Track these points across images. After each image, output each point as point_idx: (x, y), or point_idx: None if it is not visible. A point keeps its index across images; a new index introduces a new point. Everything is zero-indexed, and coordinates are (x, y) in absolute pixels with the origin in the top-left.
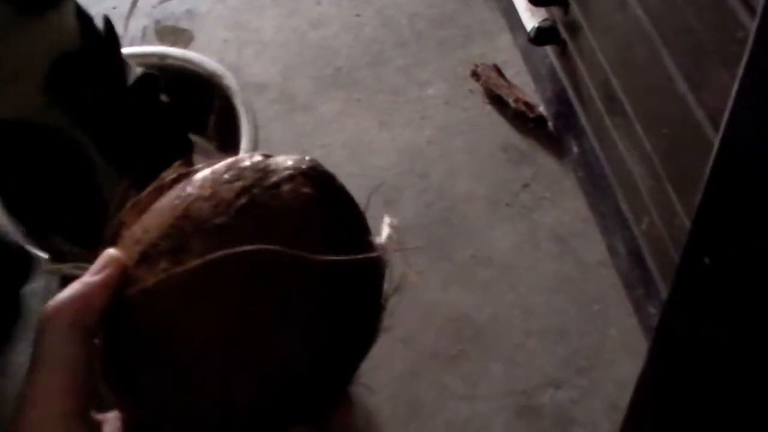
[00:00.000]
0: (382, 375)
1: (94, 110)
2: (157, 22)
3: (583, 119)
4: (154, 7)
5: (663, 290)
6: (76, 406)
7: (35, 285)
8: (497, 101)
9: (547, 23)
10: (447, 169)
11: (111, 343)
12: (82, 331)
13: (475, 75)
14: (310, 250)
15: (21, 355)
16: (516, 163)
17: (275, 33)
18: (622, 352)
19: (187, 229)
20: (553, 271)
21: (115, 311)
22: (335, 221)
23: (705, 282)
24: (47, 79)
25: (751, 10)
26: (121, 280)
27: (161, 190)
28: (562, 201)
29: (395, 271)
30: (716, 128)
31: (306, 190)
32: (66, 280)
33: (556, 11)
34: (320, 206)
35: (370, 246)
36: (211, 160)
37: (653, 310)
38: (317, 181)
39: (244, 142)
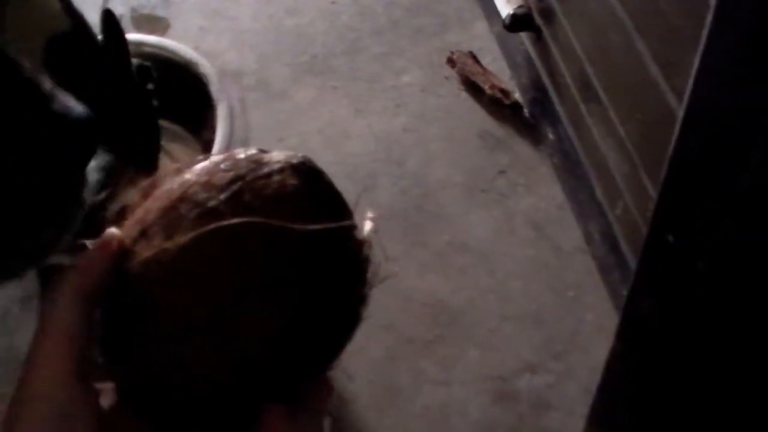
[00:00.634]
0: (359, 361)
1: (93, 93)
2: (134, 10)
3: (558, 106)
4: None
5: None
6: (74, 369)
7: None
8: (473, 88)
9: (522, 10)
10: (423, 156)
11: (108, 312)
12: (82, 301)
13: (450, 62)
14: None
15: None
16: (492, 149)
17: (252, 20)
18: (598, 337)
19: (182, 210)
20: (529, 257)
21: (113, 283)
22: (321, 213)
23: (669, 260)
24: (45, 58)
25: None
26: (121, 255)
27: (165, 178)
28: (538, 187)
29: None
30: None
31: (293, 181)
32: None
33: None
34: (307, 198)
35: (354, 239)
36: (189, 148)
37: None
38: (306, 175)
39: (221, 130)
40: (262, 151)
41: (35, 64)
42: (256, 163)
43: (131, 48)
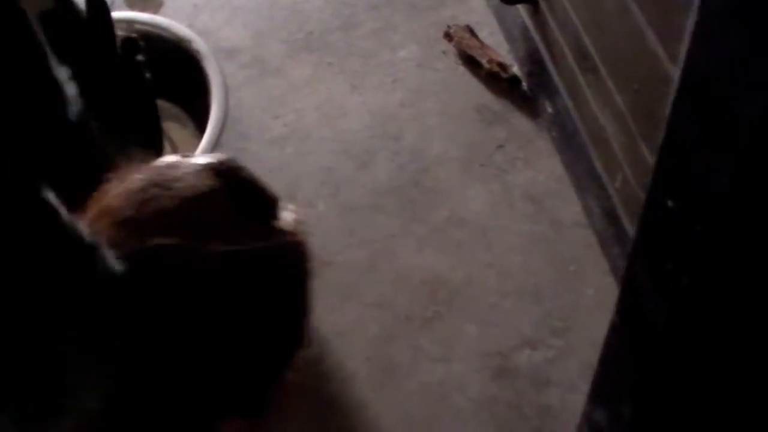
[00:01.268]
0: (356, 339)
1: (83, 69)
2: None
3: (556, 78)
4: None
5: None
6: None
7: None
8: (470, 62)
9: None
10: (420, 131)
11: None
12: None
13: (447, 36)
14: (214, 238)
15: None
16: (490, 123)
17: None
18: (598, 311)
19: (104, 221)
20: (528, 232)
21: None
22: (240, 211)
23: (668, 225)
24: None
25: None
26: None
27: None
28: (536, 161)
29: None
30: None
31: (209, 182)
32: None
33: None
34: (225, 196)
35: (278, 232)
36: (184, 127)
37: None
38: (223, 174)
39: (215, 107)
40: (187, 156)
41: None
42: (172, 167)
43: (123, 26)
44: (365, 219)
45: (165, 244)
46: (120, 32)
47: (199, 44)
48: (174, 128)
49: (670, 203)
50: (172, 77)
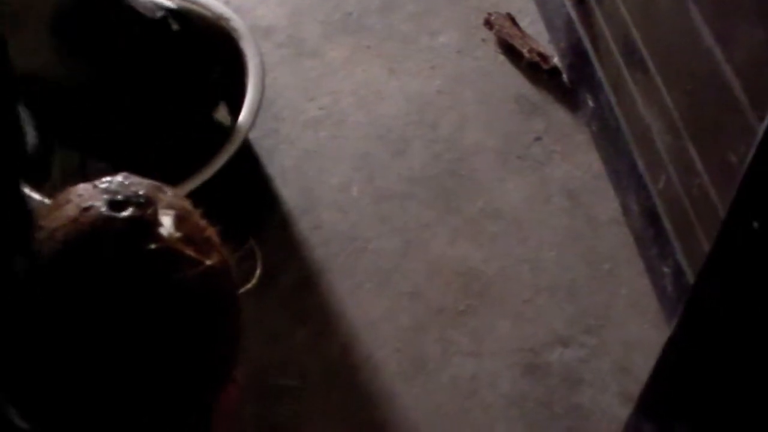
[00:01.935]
0: (387, 329)
1: (105, 54)
2: None
3: (599, 72)
4: None
5: (678, 250)
6: None
7: None
8: (510, 51)
9: None
10: (457, 119)
11: None
12: None
13: (488, 24)
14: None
15: None
16: (528, 115)
17: None
18: (632, 312)
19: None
20: (563, 227)
21: None
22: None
23: (751, 246)
24: (53, 23)
25: None
26: None
27: None
28: (574, 155)
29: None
30: (745, 84)
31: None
32: None
33: None
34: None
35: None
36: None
37: (667, 270)
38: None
39: (251, 88)
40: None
41: (42, 29)
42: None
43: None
44: (399, 207)
45: None
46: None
47: (237, 22)
48: None
49: (755, 224)
50: (207, 54)
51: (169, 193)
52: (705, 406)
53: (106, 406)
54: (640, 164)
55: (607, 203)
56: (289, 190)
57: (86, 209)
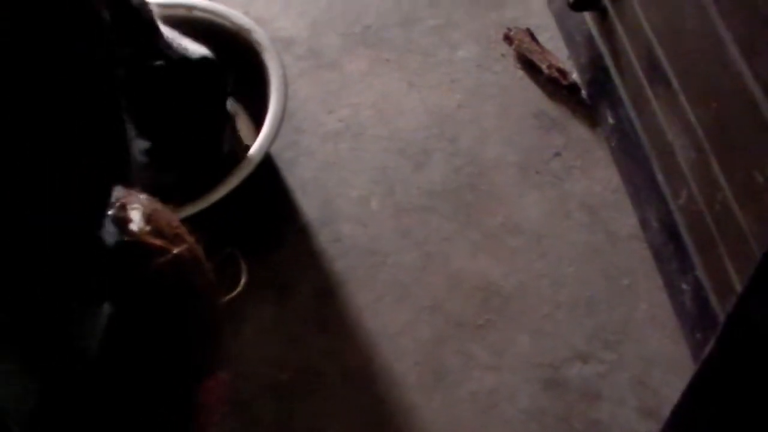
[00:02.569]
0: (407, 341)
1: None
2: None
3: (620, 88)
4: None
5: (698, 266)
6: None
7: None
8: (529, 66)
9: None
10: (477, 133)
11: None
12: None
13: (507, 39)
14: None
15: None
16: (547, 130)
17: None
18: (651, 327)
19: None
20: (583, 242)
21: None
22: None
23: None
24: None
25: None
26: None
27: None
28: (593, 170)
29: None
30: None
31: None
32: None
33: None
34: None
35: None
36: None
37: (686, 286)
38: None
39: (274, 101)
40: None
41: None
42: None
43: (181, 11)
44: (419, 220)
45: None
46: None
47: (260, 35)
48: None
49: None
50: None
51: (141, 197)
52: (745, 427)
53: (81, 397)
54: (661, 179)
55: (626, 218)
56: (308, 203)
57: None
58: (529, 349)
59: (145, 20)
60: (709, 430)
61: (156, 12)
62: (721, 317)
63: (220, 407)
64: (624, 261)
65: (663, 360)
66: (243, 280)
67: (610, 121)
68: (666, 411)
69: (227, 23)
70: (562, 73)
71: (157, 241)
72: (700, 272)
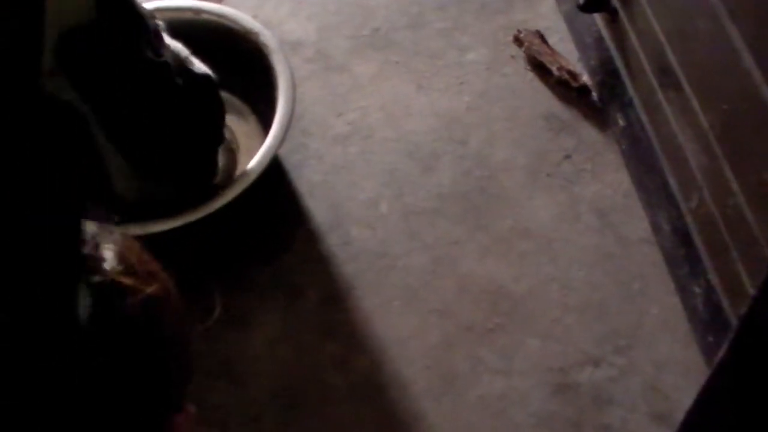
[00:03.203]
0: (416, 346)
1: (104, 84)
2: None
3: (631, 90)
4: None
5: (710, 270)
6: None
7: None
8: (539, 68)
9: None
10: (486, 136)
11: None
12: None
13: (517, 41)
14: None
15: None
16: (557, 132)
17: None
18: (662, 331)
19: None
20: (593, 246)
21: None
22: None
23: None
24: (57, 48)
25: None
26: None
27: None
28: (603, 174)
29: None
30: None
31: None
32: None
33: None
34: None
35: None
36: (246, 121)
37: (698, 290)
38: None
39: (281, 104)
40: None
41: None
42: None
43: (189, 14)
44: (428, 223)
45: None
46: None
47: (268, 38)
48: (235, 121)
49: None
50: (235, 68)
51: (115, 234)
52: None
53: None
54: (672, 183)
55: (637, 222)
56: (317, 206)
57: None
58: (539, 354)
59: (147, 25)
60: None
61: (162, 20)
62: (733, 321)
63: None
64: (635, 265)
65: (675, 364)
66: (216, 312)
67: (621, 123)
68: (678, 416)
69: (235, 26)
70: (573, 75)
71: (129, 281)
72: (712, 276)
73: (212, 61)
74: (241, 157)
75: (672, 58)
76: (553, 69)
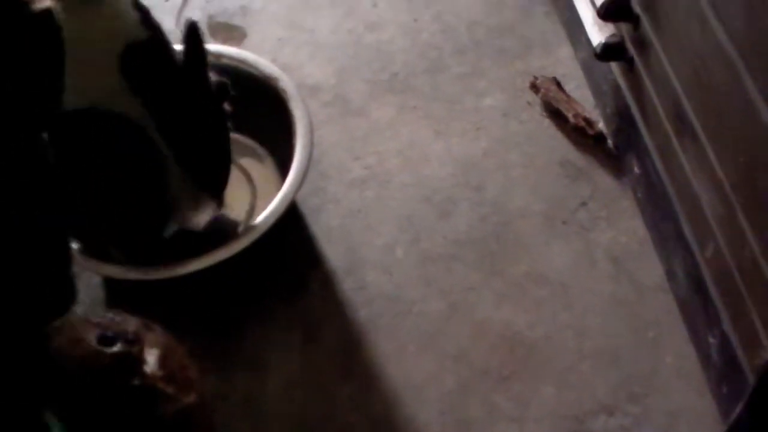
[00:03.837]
0: (431, 391)
1: (166, 102)
2: (210, 17)
3: (646, 138)
4: (207, 1)
5: (725, 320)
6: None
7: None
8: (556, 115)
9: (615, 39)
10: (503, 182)
11: None
12: None
13: (534, 87)
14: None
15: None
16: (573, 179)
17: (330, 34)
18: (677, 380)
19: None
20: (608, 293)
21: None
22: None
23: None
24: (121, 63)
25: None
26: None
27: None
28: (619, 221)
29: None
30: None
31: None
32: None
33: (624, 26)
34: None
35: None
36: (263, 164)
37: (713, 340)
38: None
39: (299, 149)
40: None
41: (111, 68)
42: None
43: (210, 59)
44: (444, 269)
45: None
46: (212, 75)
47: (286, 83)
48: (252, 164)
49: None
50: (253, 112)
51: (157, 331)
52: None
53: None
54: (687, 231)
55: (652, 270)
56: (333, 250)
57: (78, 341)
58: (553, 401)
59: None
60: None
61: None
62: (748, 371)
63: None
64: (650, 312)
65: (689, 413)
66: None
67: (636, 171)
68: None
69: (255, 71)
70: (589, 122)
71: (169, 389)
72: (727, 326)
73: (232, 105)
74: (258, 201)
75: (688, 107)
76: (570, 116)
